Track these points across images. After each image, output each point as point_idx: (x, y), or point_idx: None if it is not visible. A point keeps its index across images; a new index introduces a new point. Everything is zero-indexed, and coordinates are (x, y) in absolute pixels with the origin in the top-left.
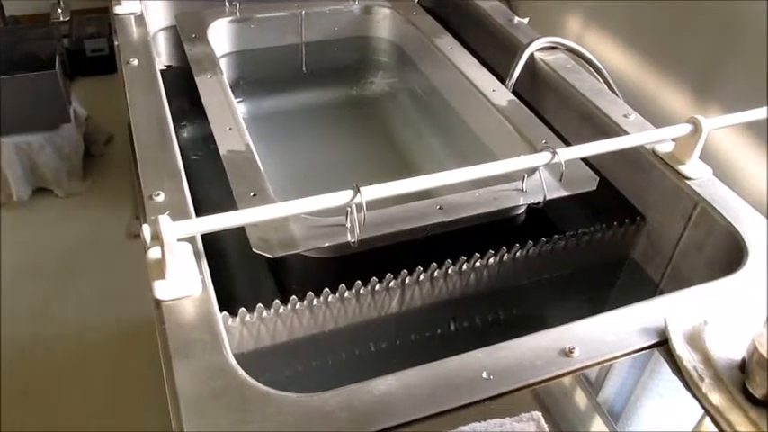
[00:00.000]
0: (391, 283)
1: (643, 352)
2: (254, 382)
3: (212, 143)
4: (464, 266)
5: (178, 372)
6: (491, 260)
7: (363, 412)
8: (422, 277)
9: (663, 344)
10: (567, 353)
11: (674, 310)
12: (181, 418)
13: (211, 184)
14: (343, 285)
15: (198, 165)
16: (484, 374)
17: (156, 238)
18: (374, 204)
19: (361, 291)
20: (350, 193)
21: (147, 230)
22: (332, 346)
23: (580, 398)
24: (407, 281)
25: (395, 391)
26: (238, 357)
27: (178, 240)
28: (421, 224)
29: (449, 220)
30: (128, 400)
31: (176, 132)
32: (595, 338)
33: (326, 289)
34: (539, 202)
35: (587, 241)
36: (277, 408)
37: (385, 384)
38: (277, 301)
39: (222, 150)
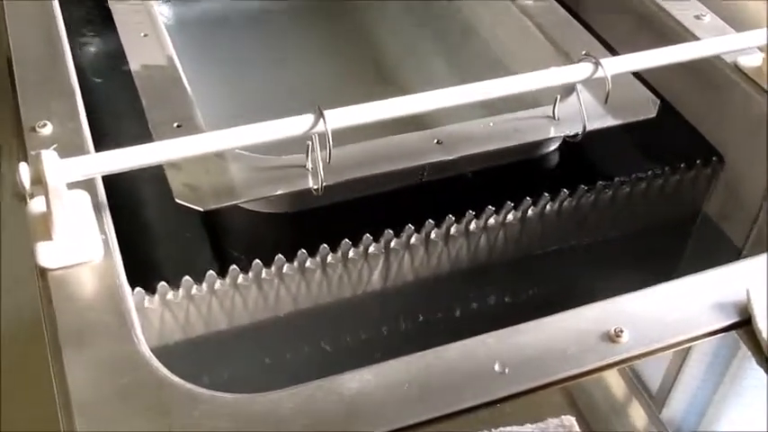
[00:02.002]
0: (371, 249)
1: (717, 336)
2: (176, 379)
3: (124, 60)
4: (472, 225)
5: (70, 366)
6: (510, 216)
7: (328, 418)
8: (413, 240)
9: (745, 324)
10: (613, 337)
11: (761, 280)
12: (74, 425)
13: (121, 116)
14: (304, 251)
15: (103, 90)
16: (496, 367)
17: (39, 182)
18: (346, 136)
19: (329, 259)
20: (310, 118)
21: (25, 172)
22: (289, 335)
23: (628, 399)
24: (393, 245)
25: (372, 391)
26: (158, 351)
27: (69, 186)
28: (412, 165)
29: (450, 158)
30: (8, 399)
31: (74, 47)
32: (651, 317)
33: (280, 256)
34: (576, 135)
35: (643, 190)
36: (208, 410)
37: (358, 381)
38: (212, 272)
39: (134, 65)
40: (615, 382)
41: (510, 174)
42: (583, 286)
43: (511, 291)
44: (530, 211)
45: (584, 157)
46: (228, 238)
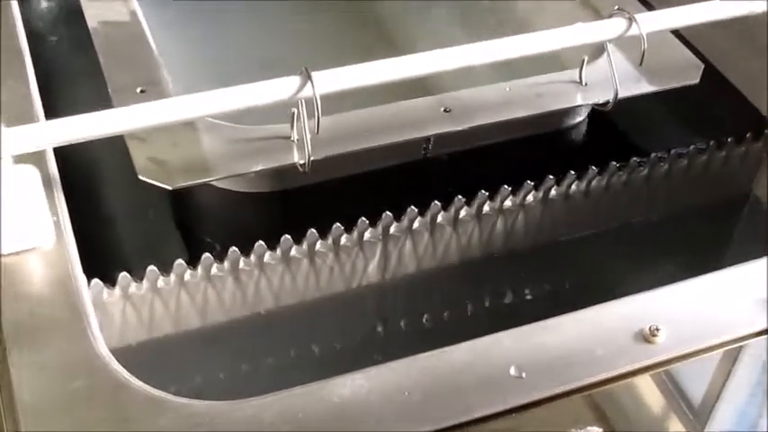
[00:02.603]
0: (366, 235)
1: None
2: (138, 383)
3: (81, 17)
4: (485, 208)
5: (16, 367)
6: (529, 198)
7: (316, 429)
8: (416, 225)
9: None
10: (648, 336)
11: None
12: None
13: (77, 79)
14: (288, 238)
15: (56, 50)
16: (512, 370)
17: None
18: (337, 103)
19: (318, 247)
20: (295, 81)
21: None
22: (272, 335)
23: (664, 411)
24: (393, 230)
25: (365, 397)
26: (119, 352)
27: (16, 160)
28: (415, 136)
29: (460, 129)
30: None
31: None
32: (692, 314)
33: (261, 243)
34: (606, 103)
35: (684, 168)
36: (175, 419)
37: (350, 387)
38: (181, 261)
39: (92, 21)
40: (650, 389)
41: (529, 148)
42: (613, 278)
43: (530, 283)
44: (552, 192)
45: (615, 130)
46: (200, 221)
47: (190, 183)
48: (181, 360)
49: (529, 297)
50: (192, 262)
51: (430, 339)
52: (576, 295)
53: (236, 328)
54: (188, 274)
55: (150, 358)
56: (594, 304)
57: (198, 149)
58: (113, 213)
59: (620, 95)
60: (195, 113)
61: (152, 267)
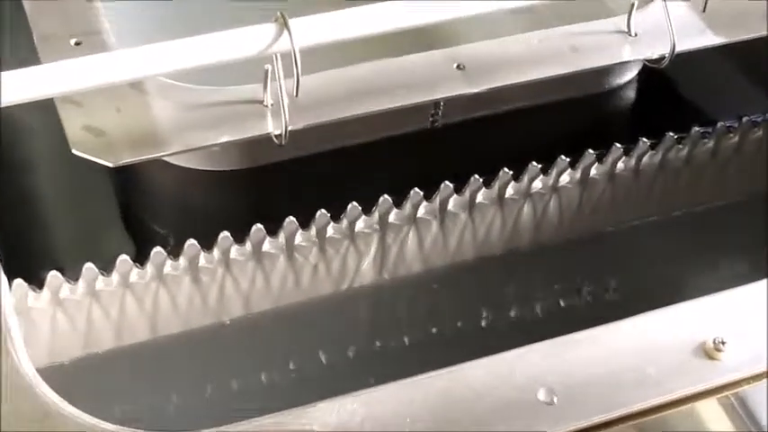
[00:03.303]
0: (359, 224)
1: None
2: (71, 409)
3: None
4: (508, 191)
5: None
6: (564, 178)
7: None
8: (421, 212)
9: None
10: (711, 351)
11: None
12: None
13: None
14: (261, 228)
15: None
16: (541, 394)
17: None
18: (322, 58)
19: (298, 239)
20: (269, 30)
21: None
22: (239, 351)
23: None
24: (392, 219)
25: (358, 427)
26: (48, 370)
27: None
28: (420, 100)
29: (477, 91)
30: None
31: None
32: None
33: (226, 235)
34: (662, 58)
35: (757, 141)
36: None
37: (339, 413)
38: (125, 257)
39: None
40: (715, 417)
41: (564, 116)
42: (669, 279)
43: (564, 285)
44: (593, 171)
45: (672, 92)
46: (150, 207)
47: (137, 159)
48: (124, 381)
49: (562, 303)
50: (140, 258)
51: (438, 355)
52: (622, 300)
53: (194, 340)
54: (134, 274)
55: (87, 379)
56: (644, 311)
57: (147, 117)
58: (41, 197)
59: (678, 49)
60: (143, 71)
61: (89, 265)
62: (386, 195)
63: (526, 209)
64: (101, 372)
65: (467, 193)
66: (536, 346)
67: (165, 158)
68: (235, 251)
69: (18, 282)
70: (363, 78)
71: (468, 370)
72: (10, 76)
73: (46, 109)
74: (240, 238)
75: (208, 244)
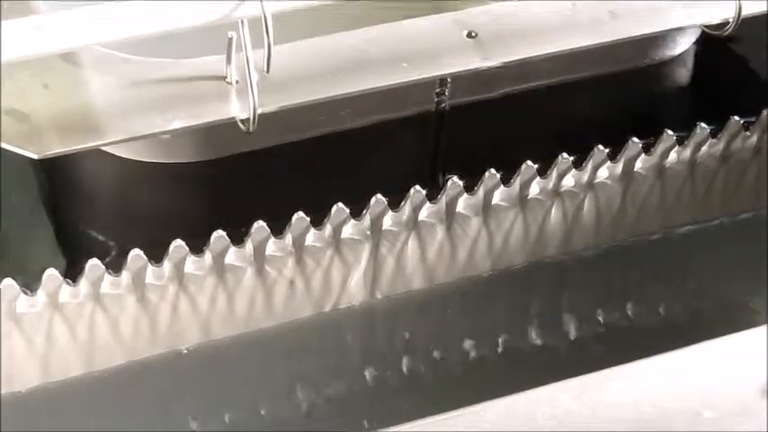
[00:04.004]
0: (347, 230)
1: None
2: None
3: None
4: (532, 188)
5: None
6: (602, 173)
7: None
8: (424, 215)
9: None
10: None
11: None
12: None
13: None
14: (223, 235)
15: None
16: None
17: None
18: (299, 25)
19: (271, 249)
20: None
21: None
22: (198, 388)
23: None
24: (388, 224)
25: None
26: None
27: None
28: (422, 76)
29: (492, 66)
30: None
31: None
32: None
33: (179, 244)
34: (723, 24)
35: None
36: None
37: None
38: (53, 272)
39: None
40: None
41: (601, 96)
42: (730, 298)
43: (599, 306)
44: (638, 164)
45: (736, 67)
46: (86, 209)
47: (68, 149)
48: (50, 427)
49: (599, 327)
50: (72, 273)
51: (445, 393)
52: (672, 326)
53: (140, 375)
54: (65, 292)
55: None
56: (699, 341)
57: (82, 96)
58: None
59: (745, 13)
60: (78, 40)
61: (8, 282)
62: (379, 195)
63: (554, 210)
64: (19, 413)
65: (480, 192)
66: (563, 385)
67: (103, 148)
68: (191, 264)
69: None
70: (351, 49)
71: (484, 413)
72: None
73: None
74: (198, 247)
75: (157, 255)
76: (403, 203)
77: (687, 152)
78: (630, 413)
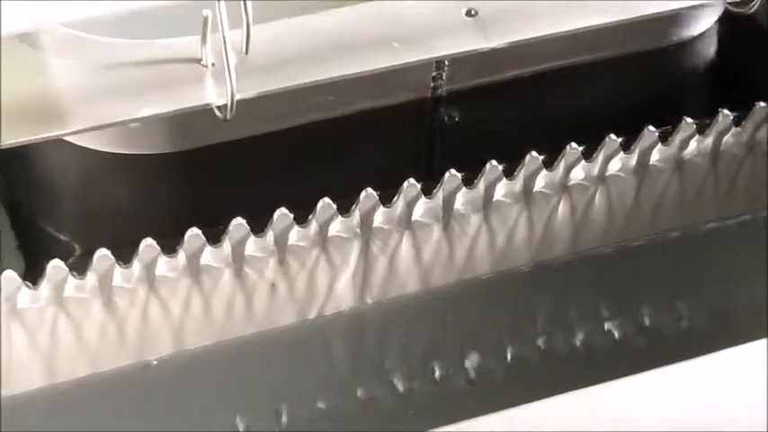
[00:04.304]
0: (334, 228)
1: None
2: None
3: None
4: (538, 181)
5: None
6: (614, 164)
7: None
8: (419, 212)
9: None
10: None
11: None
12: None
13: None
14: (198, 233)
15: None
16: None
17: None
18: (280, 1)
19: (251, 249)
20: None
21: None
22: (171, 402)
23: None
24: (378, 221)
25: None
26: None
27: None
28: (417, 59)
29: (493, 47)
30: None
31: None
32: None
33: (149, 243)
34: (750, 1)
35: None
36: None
37: None
38: (12, 275)
39: None
40: None
41: (613, 80)
42: (756, 300)
43: (611, 311)
44: (654, 155)
45: (762, 47)
46: (47, 204)
47: (28, 138)
48: None
49: (612, 333)
50: (32, 275)
51: (442, 407)
52: (692, 333)
53: (107, 387)
54: (24, 296)
55: None
56: (724, 347)
57: (42, 81)
58: None
59: None
60: (38, 17)
61: None
62: (369, 189)
63: (562, 206)
64: None
65: (480, 186)
66: (571, 396)
67: (66, 138)
68: (163, 265)
69: None
70: (338, 29)
71: (485, 427)
72: None
73: None
74: (170, 246)
75: (125, 255)
76: (396, 198)
77: (708, 142)
78: (655, 426)
